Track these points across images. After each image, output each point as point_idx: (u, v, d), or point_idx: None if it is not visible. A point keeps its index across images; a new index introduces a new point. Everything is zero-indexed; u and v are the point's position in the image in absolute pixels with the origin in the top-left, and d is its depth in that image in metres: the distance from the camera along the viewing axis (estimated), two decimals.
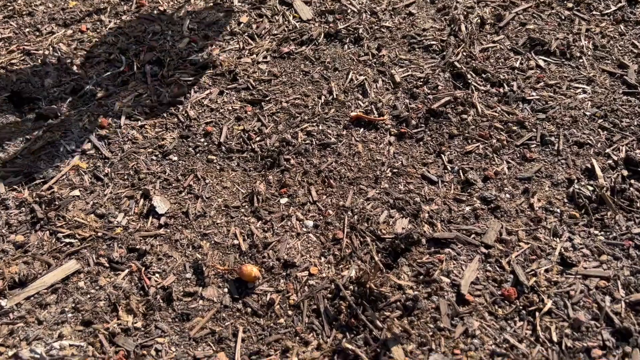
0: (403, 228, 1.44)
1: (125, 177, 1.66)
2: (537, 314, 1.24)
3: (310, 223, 1.50)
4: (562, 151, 1.61)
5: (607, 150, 1.61)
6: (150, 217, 1.53)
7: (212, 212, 1.54)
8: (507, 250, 1.37)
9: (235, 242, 1.46)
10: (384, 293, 1.28)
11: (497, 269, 1.34)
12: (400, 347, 1.20)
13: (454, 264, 1.35)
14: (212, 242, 1.47)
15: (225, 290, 1.35)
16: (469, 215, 1.47)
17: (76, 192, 1.60)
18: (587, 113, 1.73)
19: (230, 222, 1.52)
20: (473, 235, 1.41)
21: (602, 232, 1.40)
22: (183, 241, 1.47)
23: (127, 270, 1.40)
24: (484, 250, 1.38)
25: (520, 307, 1.25)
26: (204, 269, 1.39)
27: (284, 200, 1.56)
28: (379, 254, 1.39)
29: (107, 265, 1.41)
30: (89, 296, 1.34)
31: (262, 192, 1.57)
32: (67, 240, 1.47)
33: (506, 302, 1.27)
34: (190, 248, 1.45)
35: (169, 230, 1.50)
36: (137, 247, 1.44)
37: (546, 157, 1.61)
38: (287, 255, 1.41)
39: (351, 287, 1.31)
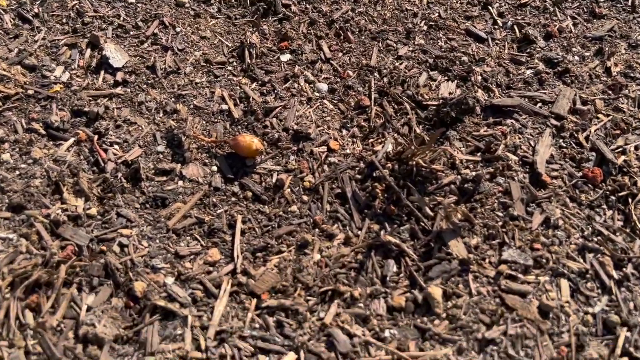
0: (450, 93, 1.09)
1: (64, 20, 1.20)
2: (630, 200, 0.95)
3: (324, 86, 1.12)
4: (639, 7, 1.28)
5: None
6: (102, 72, 1.11)
7: (187, 69, 1.14)
8: (583, 123, 1.06)
9: (224, 106, 1.07)
10: (435, 172, 0.95)
11: (574, 145, 1.03)
12: (461, 240, 0.89)
13: (519, 138, 1.03)
14: (192, 105, 1.07)
15: (214, 168, 0.99)
16: (531, 80, 1.13)
17: None
18: None
19: (214, 82, 1.12)
20: (540, 104, 1.09)
21: None
22: (150, 104, 1.07)
23: (72, 140, 0.99)
24: (554, 122, 1.06)
25: (608, 192, 0.96)
26: (182, 140, 1.01)
27: (285, 57, 1.17)
28: (421, 126, 1.05)
29: (43, 132, 1.00)
30: (18, 172, 0.94)
31: (255, 45, 1.17)
32: None
33: (590, 185, 0.97)
34: (161, 113, 1.06)
35: (129, 90, 1.09)
36: (86, 109, 1.03)
37: (619, 13, 1.27)
38: (297, 125, 1.05)
39: (389, 165, 0.98)
